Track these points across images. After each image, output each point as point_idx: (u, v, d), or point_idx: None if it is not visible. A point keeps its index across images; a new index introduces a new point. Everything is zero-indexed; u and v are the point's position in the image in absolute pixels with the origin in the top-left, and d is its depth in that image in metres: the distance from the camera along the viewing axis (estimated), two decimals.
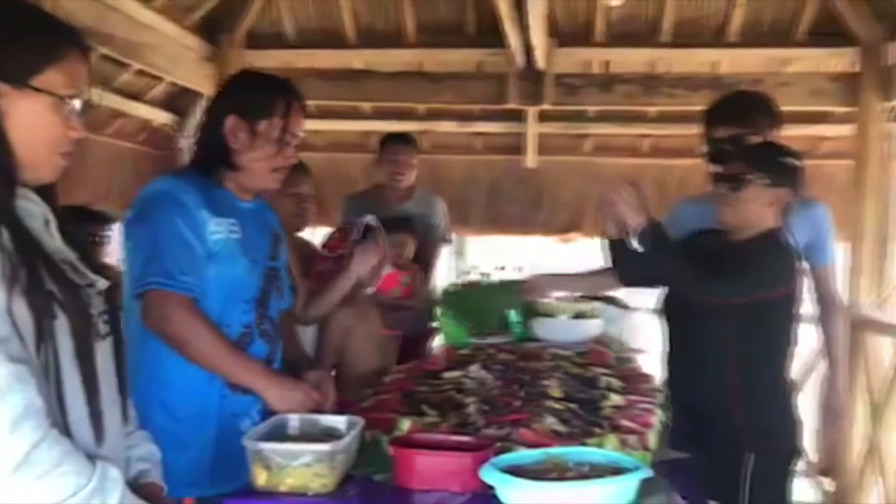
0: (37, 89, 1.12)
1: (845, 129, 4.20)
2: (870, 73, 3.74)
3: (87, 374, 1.12)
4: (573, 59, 4.23)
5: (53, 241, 1.20)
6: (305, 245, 2.77)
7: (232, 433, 1.67)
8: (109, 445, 1.18)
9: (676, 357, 2.38)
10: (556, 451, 1.47)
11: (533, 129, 4.64)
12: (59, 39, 1.15)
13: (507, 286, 3.18)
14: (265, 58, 4.33)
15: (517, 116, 4.55)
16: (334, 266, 2.63)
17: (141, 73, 4.08)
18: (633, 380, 2.43)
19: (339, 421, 1.64)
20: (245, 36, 4.21)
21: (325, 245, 2.69)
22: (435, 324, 3.78)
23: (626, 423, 1.89)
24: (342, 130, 5.06)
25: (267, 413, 1.77)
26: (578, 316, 3.41)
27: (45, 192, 1.24)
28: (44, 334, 1.06)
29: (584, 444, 1.60)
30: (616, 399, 2.15)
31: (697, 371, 2.23)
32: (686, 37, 4.02)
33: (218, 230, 1.71)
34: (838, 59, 4.04)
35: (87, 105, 1.21)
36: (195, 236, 1.67)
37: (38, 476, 1.01)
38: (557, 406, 2.00)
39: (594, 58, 4.25)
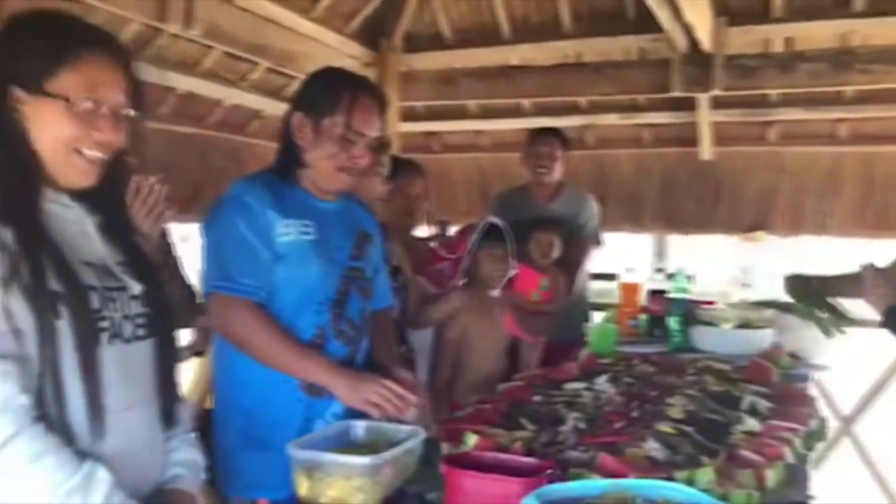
0: (49, 94, 1.13)
1: None
2: None
3: (88, 374, 1.12)
4: (747, 39, 3.78)
5: (91, 244, 1.23)
6: (420, 243, 2.71)
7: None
8: (124, 446, 1.18)
9: None
10: (628, 483, 1.27)
11: (706, 118, 4.23)
12: (73, 43, 1.15)
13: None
14: (423, 60, 4.35)
15: (688, 105, 4.18)
16: (451, 267, 2.54)
17: None
18: (788, 402, 2.11)
19: (406, 431, 1.55)
20: (403, 39, 4.25)
21: (444, 244, 2.61)
22: (586, 329, 3.58)
23: (747, 453, 1.62)
24: (504, 129, 4.96)
25: (346, 417, 1.72)
26: (744, 325, 3.06)
27: (103, 198, 1.27)
28: (45, 333, 1.08)
29: (669, 478, 1.37)
30: (751, 424, 1.86)
31: None
32: (885, 3, 3.43)
33: (286, 232, 1.68)
34: None
35: (130, 108, 1.20)
36: (260, 239, 1.65)
37: (15, 465, 1.02)
38: (667, 429, 1.76)
39: (773, 35, 3.78)
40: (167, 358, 1.32)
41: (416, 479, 1.46)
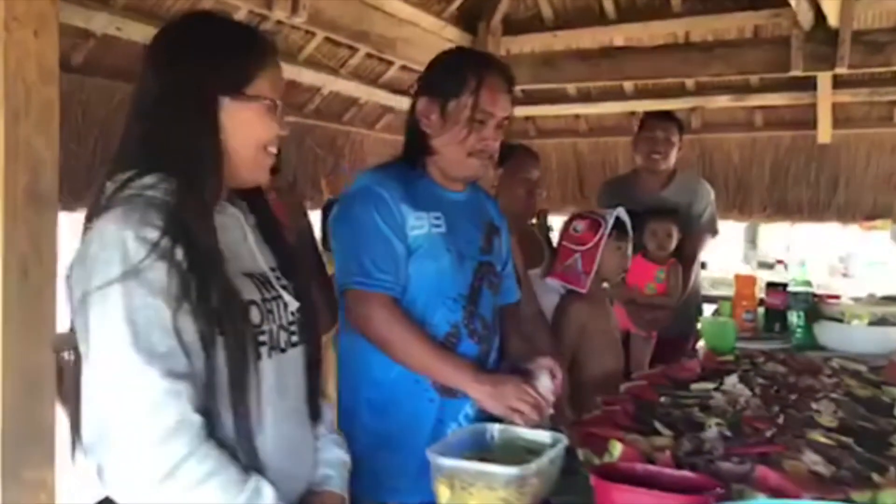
0: (252, 97, 1.17)
1: None
2: None
3: (245, 390, 1.10)
4: (878, 11, 3.50)
5: (251, 252, 1.22)
6: (533, 234, 2.58)
7: (440, 439, 1.57)
8: (281, 452, 1.17)
9: None
10: None
11: (827, 98, 3.96)
12: (262, 49, 1.20)
13: None
14: (523, 42, 4.22)
15: (806, 85, 3.92)
16: (584, 262, 2.38)
17: (405, 68, 4.20)
18: None
19: (544, 436, 1.47)
20: (502, 22, 4.13)
21: (569, 237, 2.44)
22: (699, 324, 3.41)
23: None
24: (603, 113, 4.79)
25: (479, 419, 1.65)
26: (878, 322, 2.84)
27: (253, 202, 1.29)
28: (209, 350, 1.07)
29: (848, 500, 1.24)
30: None
31: None
32: None
33: (419, 225, 1.61)
34: None
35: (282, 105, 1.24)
36: (394, 232, 1.59)
37: (185, 489, 1.01)
38: (825, 439, 1.62)
39: None
40: (315, 361, 1.31)
41: (561, 490, 1.38)
